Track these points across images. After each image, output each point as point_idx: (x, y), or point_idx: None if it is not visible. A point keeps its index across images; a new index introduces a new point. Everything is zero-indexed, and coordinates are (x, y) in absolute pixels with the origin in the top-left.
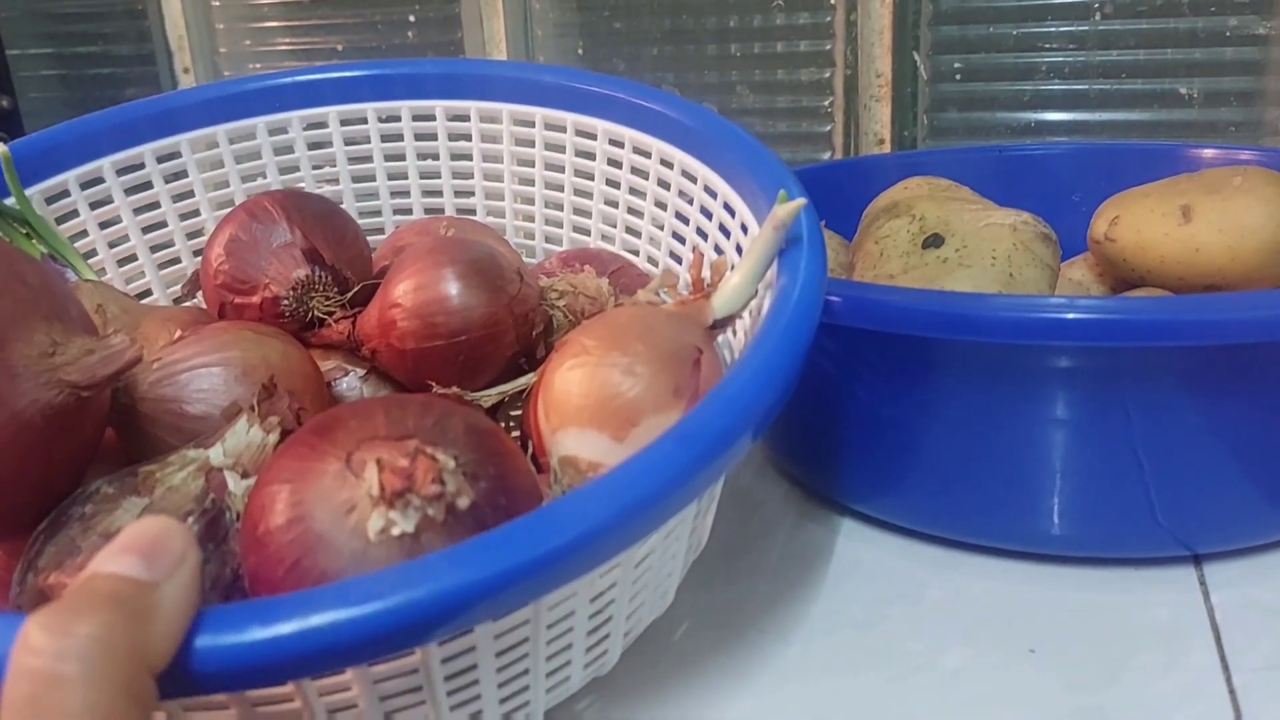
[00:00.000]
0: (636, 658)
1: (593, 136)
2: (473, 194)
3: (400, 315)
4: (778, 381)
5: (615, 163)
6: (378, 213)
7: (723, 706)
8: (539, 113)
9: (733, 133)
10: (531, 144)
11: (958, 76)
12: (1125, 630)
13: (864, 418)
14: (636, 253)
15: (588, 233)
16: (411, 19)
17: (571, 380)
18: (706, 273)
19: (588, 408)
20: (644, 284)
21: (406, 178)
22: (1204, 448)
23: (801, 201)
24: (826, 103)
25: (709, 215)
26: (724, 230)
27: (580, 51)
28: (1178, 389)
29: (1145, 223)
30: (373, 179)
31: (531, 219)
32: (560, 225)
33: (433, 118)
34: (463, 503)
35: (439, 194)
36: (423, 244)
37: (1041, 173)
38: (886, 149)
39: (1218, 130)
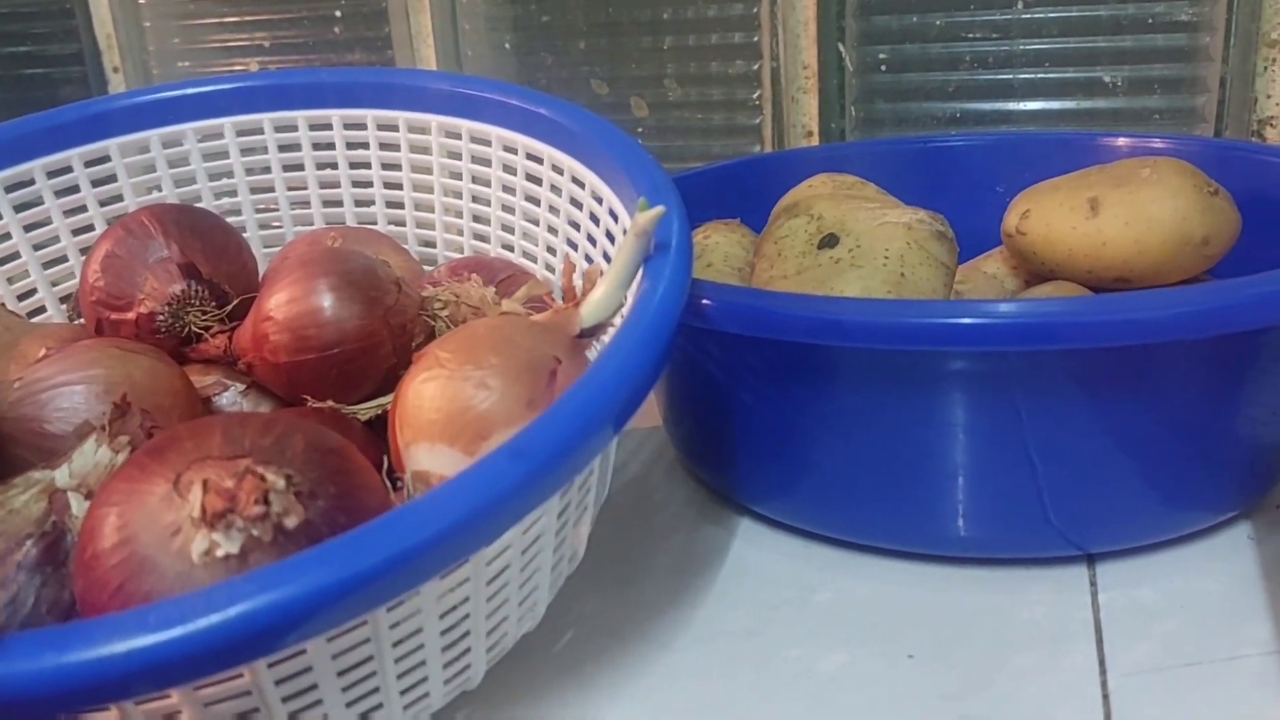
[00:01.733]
0: (515, 667)
1: (487, 143)
2: (373, 203)
3: (272, 329)
4: (624, 393)
5: (510, 169)
6: (278, 224)
7: (593, 716)
8: (434, 120)
9: (614, 137)
10: (428, 151)
11: (883, 68)
12: (1008, 632)
13: (751, 421)
14: (534, 259)
15: (487, 239)
16: (338, 14)
17: (424, 394)
18: (580, 279)
19: (439, 421)
20: None
21: (306, 188)
22: (1096, 447)
23: (660, 210)
24: (755, 95)
25: (597, 221)
26: (610, 236)
27: (508, 45)
28: (1069, 390)
29: (1054, 216)
30: (272, 190)
31: (431, 226)
32: (460, 233)
33: (330, 127)
34: (290, 522)
35: (340, 204)
36: (298, 256)
37: (965, 164)
38: (815, 141)
39: (1143, 118)
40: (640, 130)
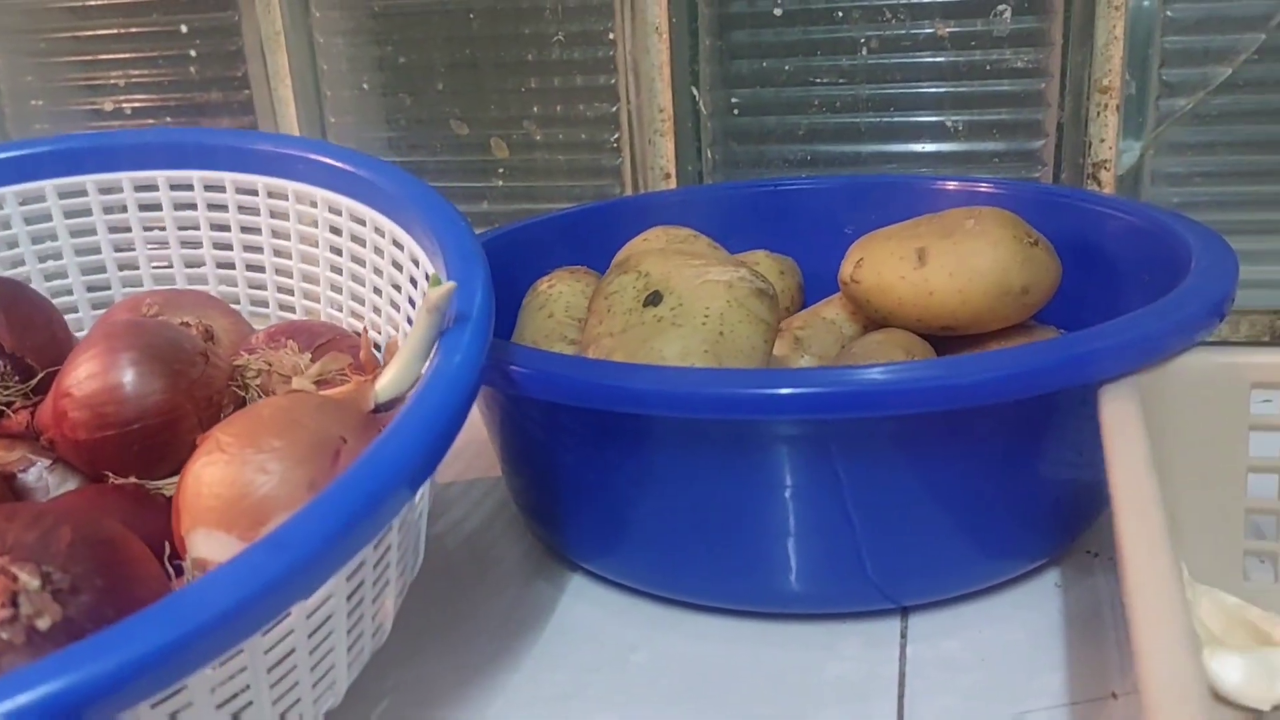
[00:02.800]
0: None
1: (314, 204)
2: (203, 264)
3: (70, 406)
4: (401, 477)
5: (336, 230)
6: (106, 286)
7: None
8: (260, 181)
9: (430, 201)
10: (256, 212)
11: (736, 111)
12: (816, 688)
13: (573, 481)
14: (363, 319)
15: (318, 299)
16: (193, 53)
17: (202, 478)
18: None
19: (217, 507)
20: (358, 354)
21: (134, 249)
22: (911, 503)
23: (450, 286)
24: (614, 137)
25: (416, 284)
26: None
27: (366, 85)
28: (882, 449)
29: (885, 265)
30: (99, 252)
31: (263, 287)
32: (292, 293)
33: (156, 188)
34: (43, 624)
35: (170, 265)
36: (100, 329)
37: (814, 206)
38: (672, 183)
39: (984, 161)
40: (501, 171)
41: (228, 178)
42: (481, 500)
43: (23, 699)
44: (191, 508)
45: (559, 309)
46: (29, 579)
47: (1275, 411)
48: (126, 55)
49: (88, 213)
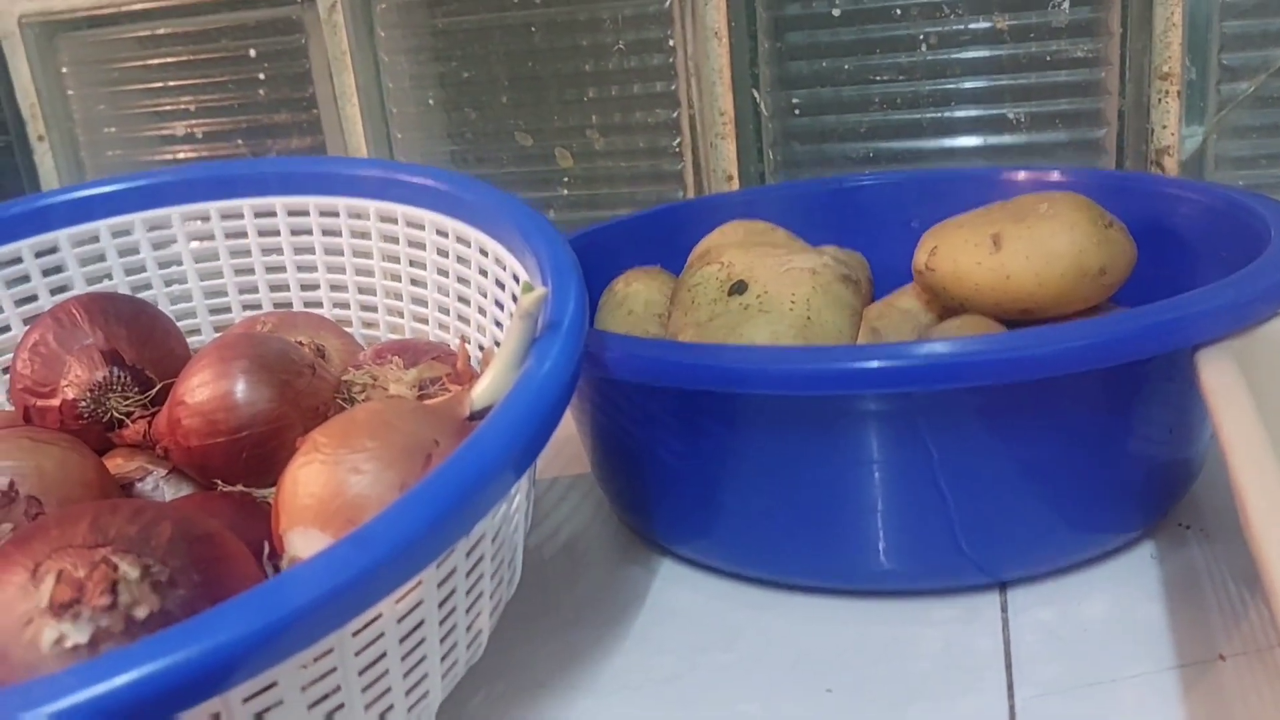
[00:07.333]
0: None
1: (421, 227)
2: (318, 287)
3: (184, 413)
4: (484, 480)
5: (442, 251)
6: (227, 309)
7: None
8: (372, 205)
9: (527, 218)
10: (368, 236)
11: (797, 112)
12: (924, 662)
13: (666, 468)
14: (469, 340)
15: (426, 321)
16: (261, 76)
17: (299, 479)
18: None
19: (312, 506)
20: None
21: (253, 273)
22: (1003, 478)
23: (542, 291)
24: (675, 142)
25: (516, 300)
26: None
27: (431, 101)
28: (974, 424)
29: (960, 252)
30: (220, 275)
31: (374, 309)
32: (401, 315)
33: (274, 214)
34: (140, 612)
35: (287, 288)
36: (214, 341)
37: (878, 201)
38: (735, 185)
39: (1048, 152)
40: (566, 180)
41: (340, 203)
42: (566, 494)
43: (119, 680)
44: (289, 507)
45: (638, 305)
46: (129, 569)
47: None
48: (196, 81)
49: (210, 237)
